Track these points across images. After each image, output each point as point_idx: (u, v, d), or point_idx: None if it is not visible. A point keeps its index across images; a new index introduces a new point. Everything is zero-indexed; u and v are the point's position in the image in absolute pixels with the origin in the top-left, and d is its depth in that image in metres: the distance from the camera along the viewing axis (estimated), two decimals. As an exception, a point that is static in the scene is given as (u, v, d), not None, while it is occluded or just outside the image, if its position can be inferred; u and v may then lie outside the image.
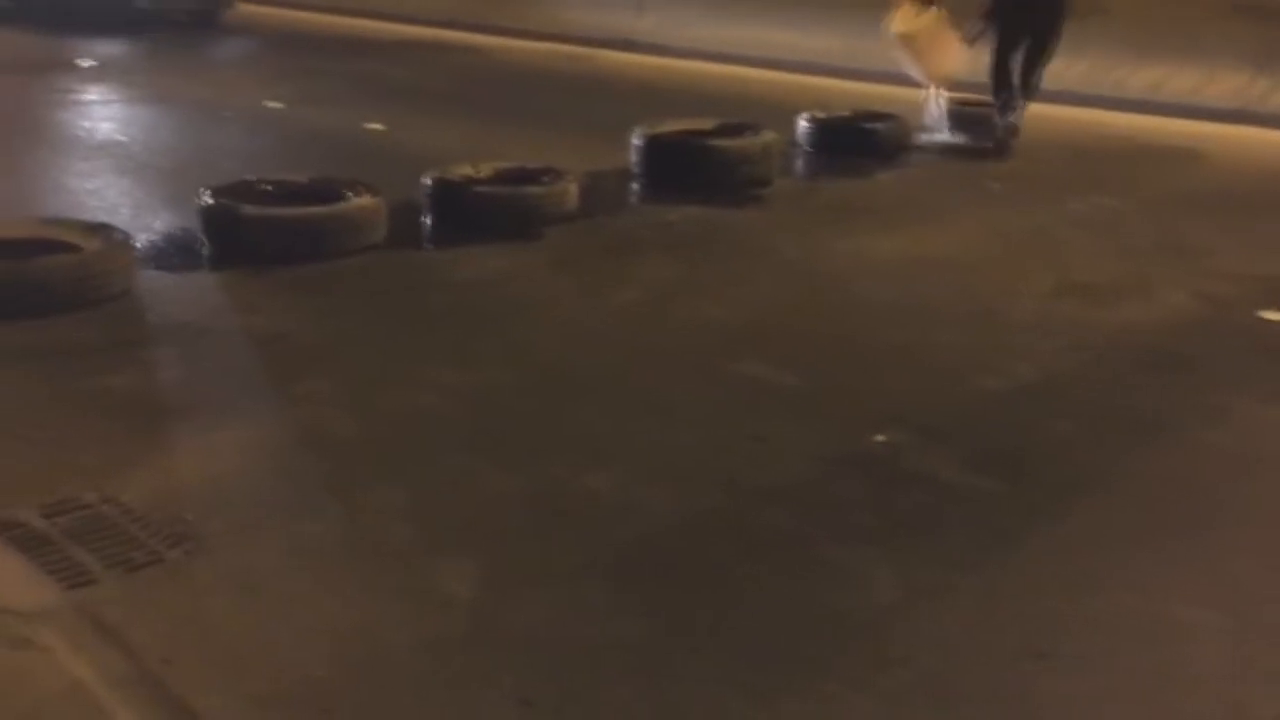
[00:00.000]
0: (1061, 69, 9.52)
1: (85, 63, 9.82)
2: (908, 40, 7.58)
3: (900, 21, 7.57)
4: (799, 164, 6.98)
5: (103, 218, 4.72)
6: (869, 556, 2.64)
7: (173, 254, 4.62)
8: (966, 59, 7.53)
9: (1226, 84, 8.85)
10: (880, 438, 3.26)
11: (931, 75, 7.73)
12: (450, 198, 5.21)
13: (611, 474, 2.99)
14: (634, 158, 6.20)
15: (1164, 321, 4.36)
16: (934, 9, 7.48)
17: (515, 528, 2.74)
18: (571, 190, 5.37)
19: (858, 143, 7.18)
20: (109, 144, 6.82)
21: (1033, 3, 7.25)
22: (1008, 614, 2.45)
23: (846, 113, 7.59)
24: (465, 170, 5.37)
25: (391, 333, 3.96)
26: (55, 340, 3.66)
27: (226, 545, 2.57)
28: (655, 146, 6.14)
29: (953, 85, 7.81)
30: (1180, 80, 9.14)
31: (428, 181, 5.24)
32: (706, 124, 6.53)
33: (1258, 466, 3.22)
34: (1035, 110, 8.44)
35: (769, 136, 6.36)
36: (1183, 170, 7.26)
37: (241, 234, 4.57)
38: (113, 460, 2.92)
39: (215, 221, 4.65)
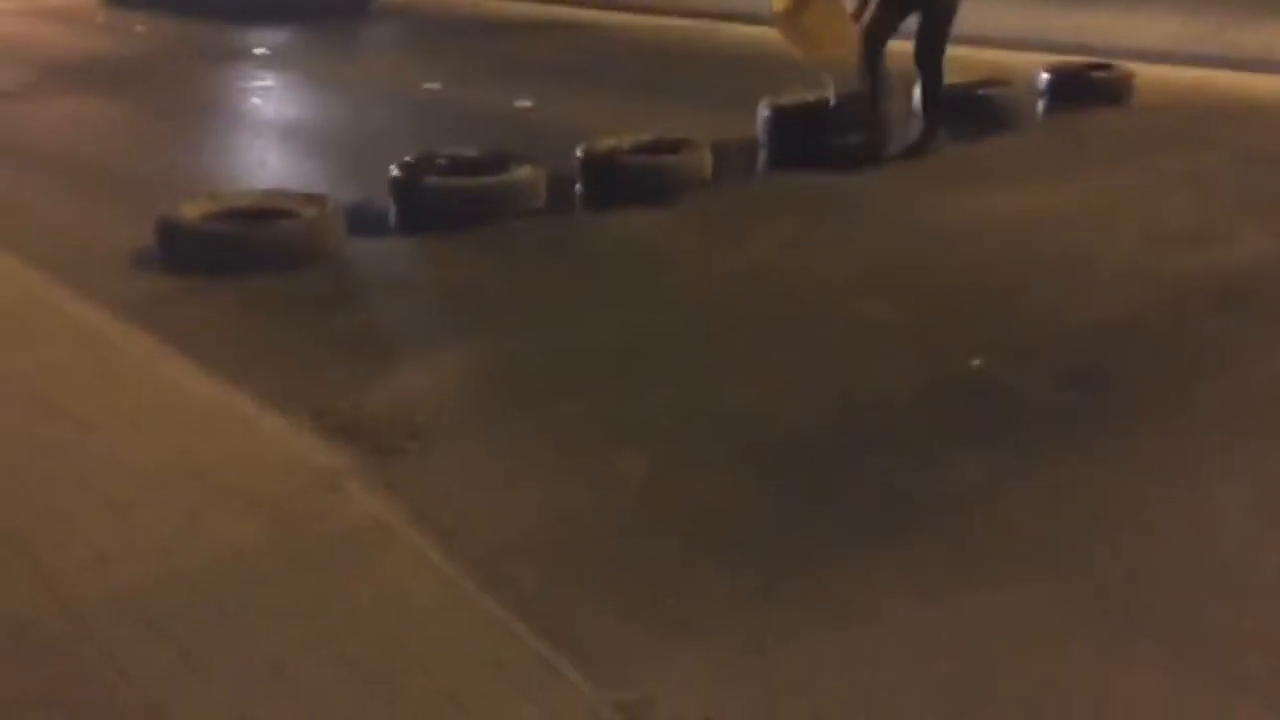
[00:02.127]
0: (1179, 30, 9.86)
1: (259, 51, 10.83)
2: (789, 20, 6.49)
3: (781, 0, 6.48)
4: (915, 129, 7.49)
5: (306, 189, 5.54)
6: (961, 450, 3.26)
7: (369, 220, 5.40)
8: (856, 43, 6.51)
9: (1341, 42, 9.02)
10: (976, 361, 3.86)
11: (818, 60, 6.62)
12: (599, 168, 5.90)
13: (750, 391, 3.67)
14: (760, 127, 6.82)
15: (1242, 264, 4.82)
16: None
17: (674, 430, 3.43)
18: (706, 159, 6.02)
19: (973, 109, 7.65)
20: (295, 125, 7.73)
21: None
22: (1072, 493, 3.05)
23: (960, 80, 8.04)
24: (610, 142, 6.06)
25: (561, 282, 4.69)
26: (291, 290, 4.47)
27: (450, 440, 3.32)
28: (780, 117, 6.74)
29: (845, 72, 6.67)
30: (1295, 39, 9.32)
31: (579, 154, 5.94)
32: (826, 93, 7.08)
33: (1310, 387, 3.73)
34: (1151, 71, 8.80)
35: (889, 105, 6.89)
36: (1288, 127, 7.56)
37: (426, 202, 5.34)
38: (354, 379, 3.69)
39: (403, 191, 5.44)
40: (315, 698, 2.08)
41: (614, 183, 5.85)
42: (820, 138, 6.66)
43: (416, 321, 4.30)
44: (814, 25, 6.42)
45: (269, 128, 7.77)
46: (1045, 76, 8.44)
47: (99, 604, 2.31)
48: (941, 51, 6.63)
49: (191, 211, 4.84)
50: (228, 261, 4.58)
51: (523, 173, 5.54)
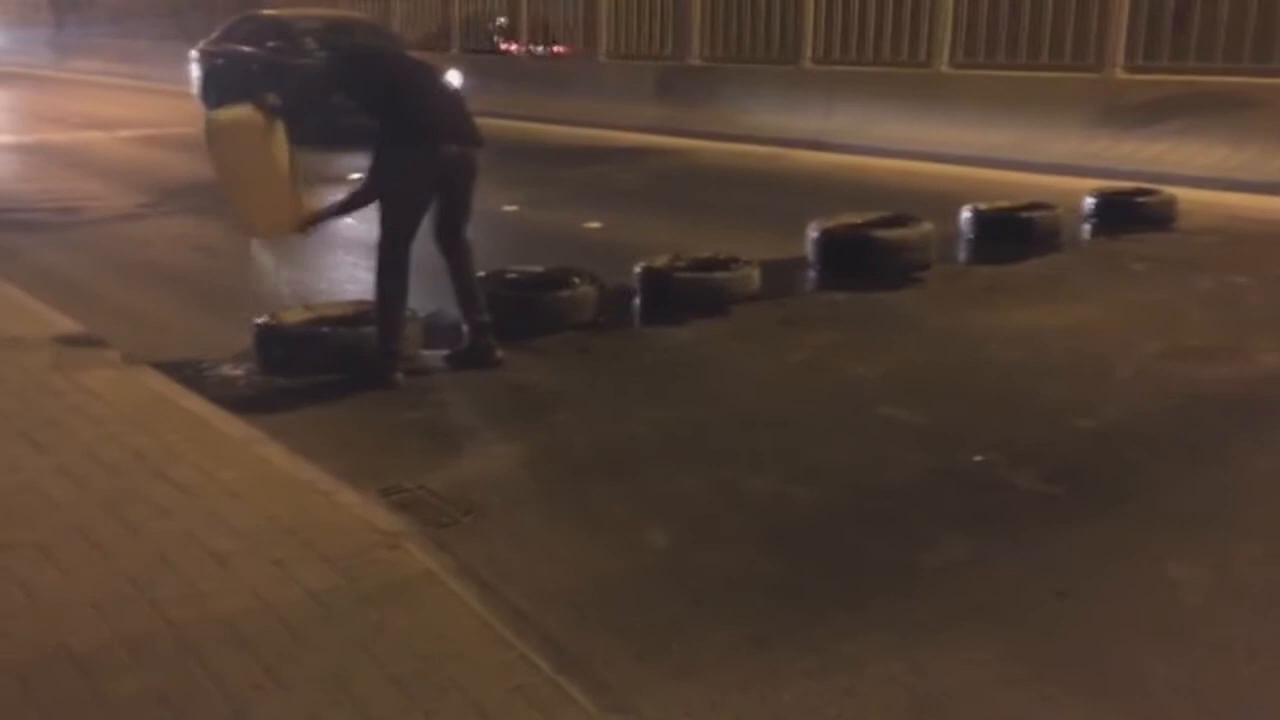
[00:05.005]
0: (1225, 159, 10.24)
1: (354, 175, 11.70)
2: (216, 135, 4.95)
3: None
4: (960, 250, 7.95)
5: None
6: (951, 531, 3.65)
7: (444, 329, 5.96)
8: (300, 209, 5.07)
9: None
10: (978, 458, 4.25)
11: (239, 206, 5.10)
12: (655, 282, 6.45)
13: (771, 478, 4.10)
14: (809, 248, 7.33)
15: (1249, 377, 5.16)
16: (263, 111, 4.81)
17: (699, 510, 3.86)
18: (754, 275, 6.54)
19: (1016, 231, 8.10)
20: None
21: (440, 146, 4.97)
22: (1044, 570, 3.40)
23: (1007, 203, 8.50)
24: (667, 260, 6.62)
25: (611, 383, 5.20)
26: (371, 388, 5.03)
27: (499, 515, 3.79)
28: (827, 238, 7.25)
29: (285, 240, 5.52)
30: (1338, 166, 9.65)
31: (637, 270, 6.50)
32: (873, 216, 7.59)
33: (1290, 486, 4.05)
34: (1198, 196, 9.19)
35: (927, 227, 7.38)
36: (1324, 250, 7.86)
37: (500, 312, 5.90)
38: (420, 463, 4.20)
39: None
40: (368, 707, 2.54)
41: (669, 297, 6.38)
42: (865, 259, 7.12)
43: (478, 417, 4.83)
44: (245, 157, 4.85)
45: (360, 245, 8.48)
46: (1090, 200, 8.89)
47: (199, 628, 2.80)
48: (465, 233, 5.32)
49: (288, 319, 5.46)
50: (317, 363, 5.16)
51: (584, 288, 6.09)
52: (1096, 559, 3.48)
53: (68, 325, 5.54)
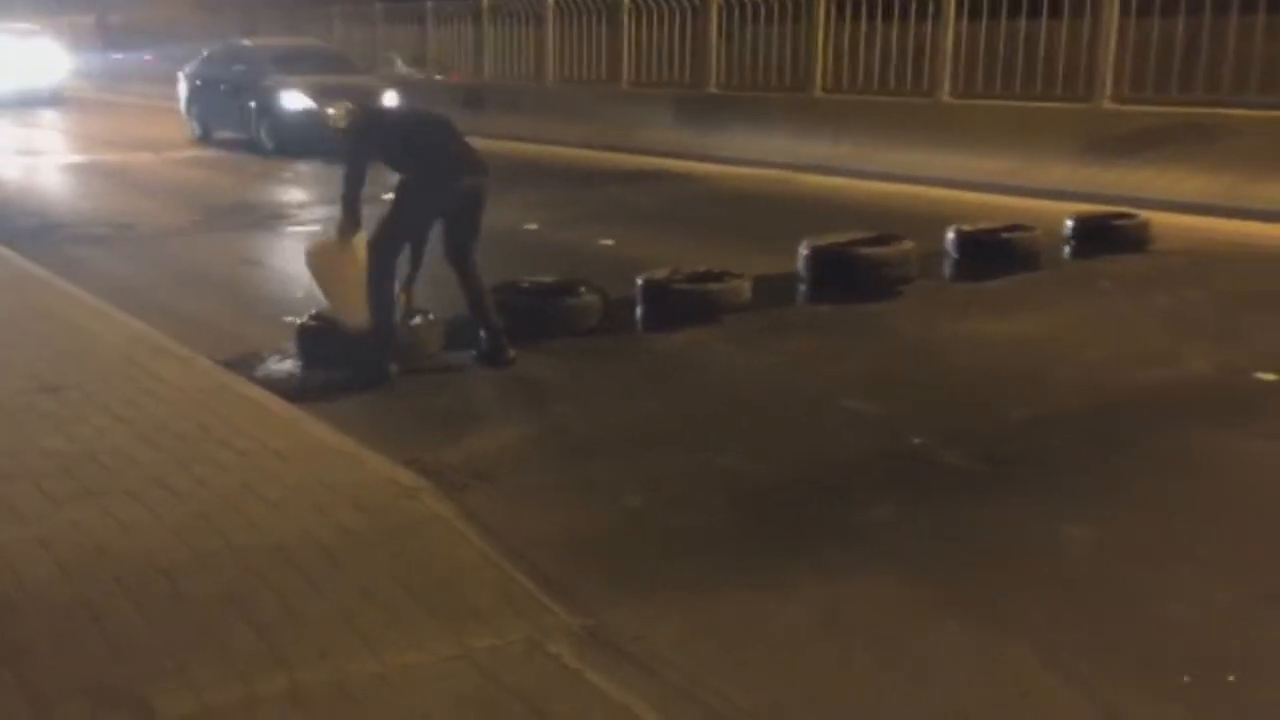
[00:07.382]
0: (1203, 185, 10.84)
1: (386, 196, 12.51)
2: (312, 260, 6.18)
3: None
4: (943, 268, 8.61)
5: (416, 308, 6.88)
6: (881, 497, 4.33)
7: (463, 332, 6.68)
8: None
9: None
10: (917, 441, 4.92)
11: (340, 309, 5.99)
12: (655, 293, 7.16)
13: (736, 455, 4.79)
14: (800, 264, 8.02)
15: (1173, 379, 5.80)
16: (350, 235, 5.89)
17: (675, 481, 4.55)
18: (744, 288, 7.22)
19: (996, 251, 8.74)
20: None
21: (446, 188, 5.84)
22: (953, 527, 4.07)
23: (989, 225, 9.15)
24: (665, 273, 7.32)
25: (611, 379, 5.91)
26: (398, 380, 5.76)
27: (505, 480, 4.51)
28: (816, 254, 7.95)
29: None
30: (1307, 193, 10.23)
31: (639, 281, 7.22)
32: (860, 235, 8.27)
33: (1196, 469, 4.67)
34: (1176, 220, 9.80)
35: (908, 245, 8.05)
36: (1281, 272, 8.47)
37: (513, 318, 6.62)
38: (439, 440, 4.92)
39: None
40: (389, 611, 3.25)
41: (666, 306, 7.08)
42: (852, 274, 7.79)
43: (491, 405, 5.56)
44: (333, 271, 6.03)
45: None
46: (1070, 223, 9.52)
47: (257, 552, 3.53)
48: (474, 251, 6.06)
49: (323, 322, 6.22)
50: (351, 359, 5.91)
51: (588, 297, 6.81)
52: (1000, 520, 4.15)
53: (135, 325, 6.32)
